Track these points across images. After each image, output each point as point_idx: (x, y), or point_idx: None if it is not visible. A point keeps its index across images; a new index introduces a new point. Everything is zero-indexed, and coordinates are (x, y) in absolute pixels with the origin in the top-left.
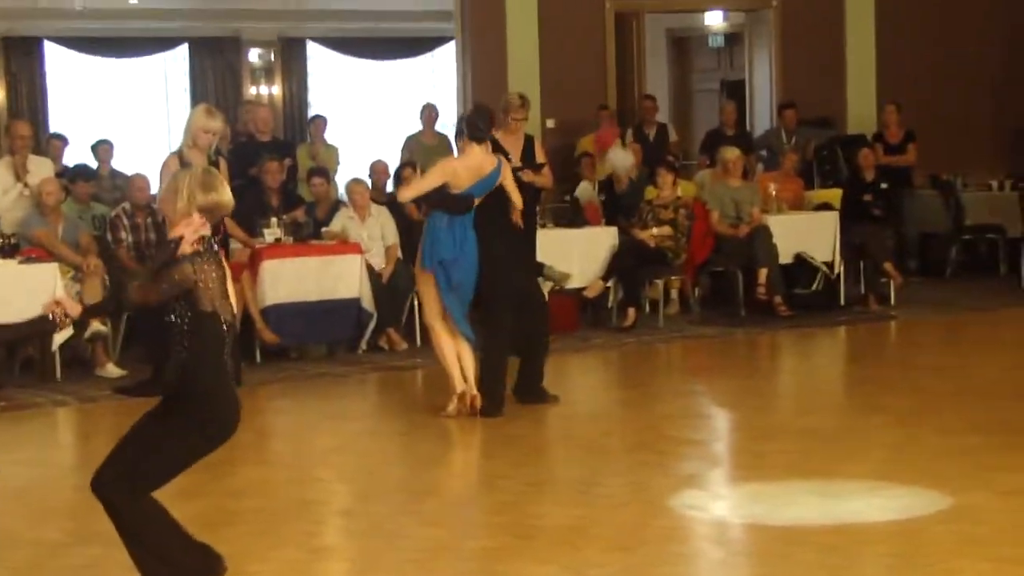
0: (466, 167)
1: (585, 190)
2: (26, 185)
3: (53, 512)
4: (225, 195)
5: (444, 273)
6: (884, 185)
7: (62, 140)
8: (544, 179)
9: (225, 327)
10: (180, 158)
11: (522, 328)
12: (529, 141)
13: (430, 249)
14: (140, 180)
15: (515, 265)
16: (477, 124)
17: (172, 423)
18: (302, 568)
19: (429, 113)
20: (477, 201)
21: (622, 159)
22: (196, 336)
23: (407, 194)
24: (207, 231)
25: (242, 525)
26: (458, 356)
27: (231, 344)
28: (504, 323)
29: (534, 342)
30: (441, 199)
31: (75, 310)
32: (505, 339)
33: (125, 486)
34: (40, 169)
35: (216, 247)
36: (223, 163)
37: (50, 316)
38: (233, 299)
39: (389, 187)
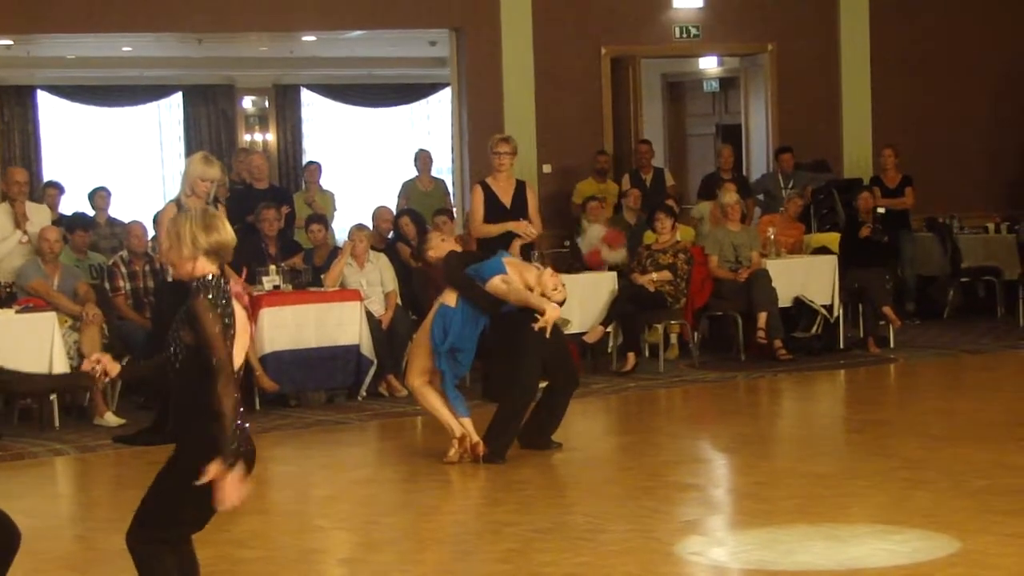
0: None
1: (595, 231)
2: (25, 232)
3: (54, 563)
4: (228, 234)
5: (452, 356)
6: (881, 210)
7: (58, 188)
8: (534, 231)
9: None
10: (178, 206)
11: (550, 379)
12: (521, 186)
13: (443, 334)
14: (137, 228)
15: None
16: None
17: (176, 470)
18: None
19: (424, 159)
20: None
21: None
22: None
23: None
24: (215, 271)
25: None
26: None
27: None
28: (534, 381)
29: (559, 393)
30: (478, 296)
31: (114, 369)
32: (531, 397)
33: (142, 534)
34: (38, 217)
35: (226, 289)
36: (221, 210)
37: (91, 371)
38: (243, 347)
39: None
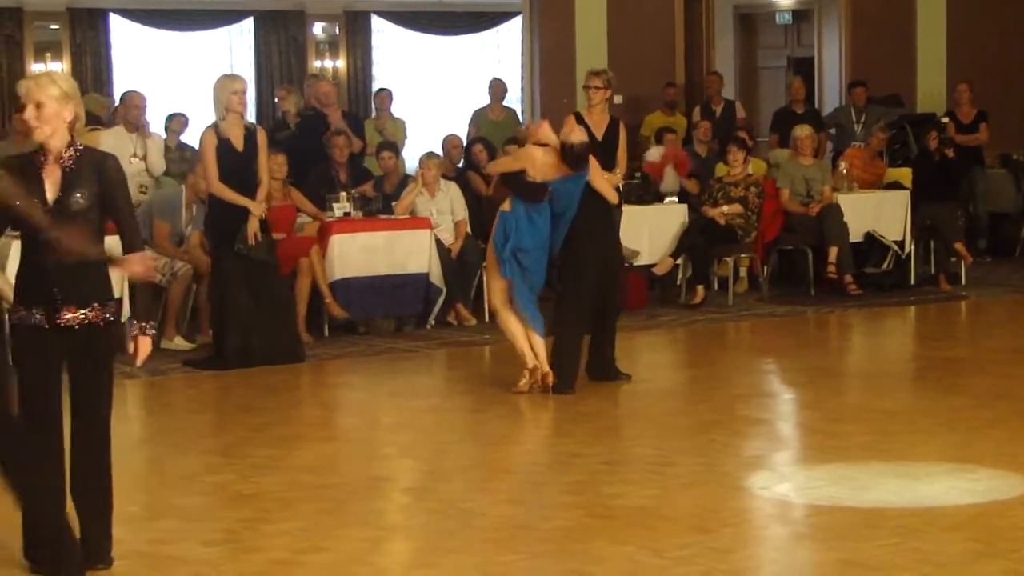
0: (546, 161)
1: (656, 150)
2: (143, 158)
3: (126, 486)
4: None
5: (516, 262)
6: (945, 120)
7: None
8: (617, 179)
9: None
10: (216, 132)
11: (596, 305)
12: (614, 122)
13: (503, 238)
14: None
15: (596, 243)
16: (576, 155)
17: None
18: (375, 546)
19: (497, 88)
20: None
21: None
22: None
23: (493, 168)
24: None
25: (314, 502)
26: (527, 334)
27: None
28: (585, 302)
29: (607, 320)
30: (517, 184)
31: None
32: (585, 317)
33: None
34: (154, 145)
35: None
36: (261, 132)
37: None
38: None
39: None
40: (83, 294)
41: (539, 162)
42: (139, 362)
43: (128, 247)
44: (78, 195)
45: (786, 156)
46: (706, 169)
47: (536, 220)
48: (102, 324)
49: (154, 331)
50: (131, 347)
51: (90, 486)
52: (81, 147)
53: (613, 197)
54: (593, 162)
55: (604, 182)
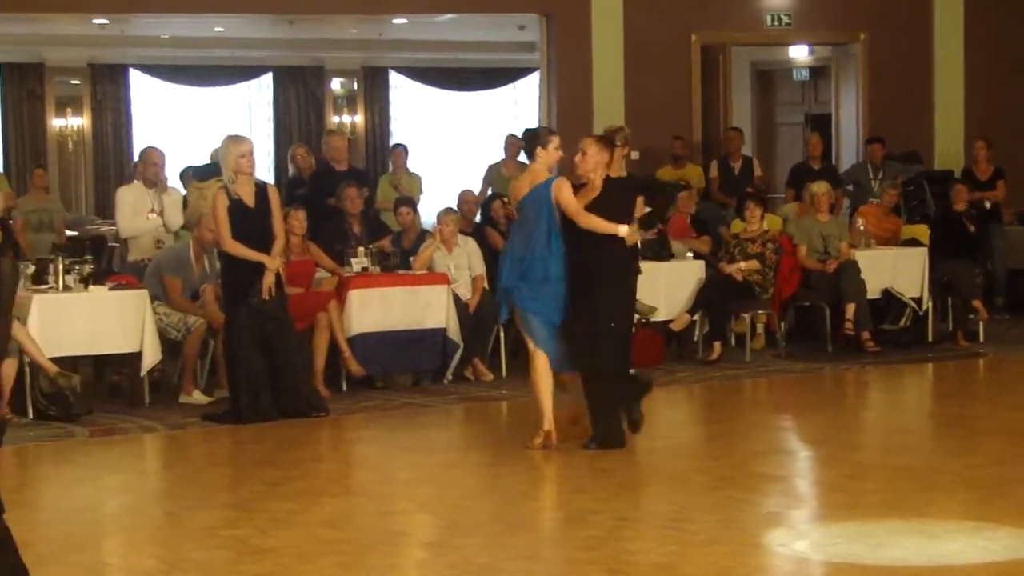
0: (514, 185)
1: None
2: (160, 214)
3: (145, 540)
4: None
5: (507, 301)
6: (988, 204)
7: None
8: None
9: None
10: (227, 192)
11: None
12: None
13: (500, 271)
14: None
15: (581, 291)
16: (530, 138)
17: None
18: None
19: (512, 144)
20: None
21: None
22: None
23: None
24: None
25: (331, 556)
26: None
27: None
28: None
29: (591, 381)
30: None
31: None
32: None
33: None
34: (170, 199)
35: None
36: (272, 188)
37: None
38: None
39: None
40: None
41: (511, 188)
42: None
43: None
44: None
45: (795, 209)
46: (710, 223)
47: (524, 259)
48: None
49: None
50: None
51: None
52: None
53: (608, 228)
54: (570, 198)
55: (591, 218)
